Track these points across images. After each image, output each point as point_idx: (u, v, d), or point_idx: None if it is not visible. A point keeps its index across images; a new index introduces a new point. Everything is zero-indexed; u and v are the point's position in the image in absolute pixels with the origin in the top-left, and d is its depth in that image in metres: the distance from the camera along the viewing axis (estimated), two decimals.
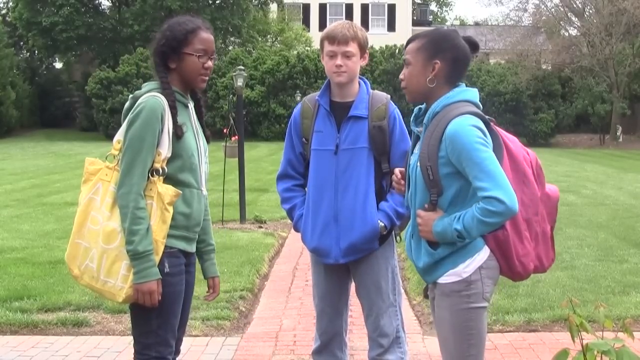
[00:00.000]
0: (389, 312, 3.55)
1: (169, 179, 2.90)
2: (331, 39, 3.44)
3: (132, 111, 2.88)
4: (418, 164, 2.77)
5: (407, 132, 3.50)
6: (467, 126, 2.64)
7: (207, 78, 3.03)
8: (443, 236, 2.69)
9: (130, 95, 3.00)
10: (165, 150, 2.88)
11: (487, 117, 2.80)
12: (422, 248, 2.81)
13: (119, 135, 2.93)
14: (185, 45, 2.94)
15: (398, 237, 3.63)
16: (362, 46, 3.46)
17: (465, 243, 2.71)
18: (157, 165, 2.87)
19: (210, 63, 3.00)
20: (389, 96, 3.57)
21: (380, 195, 3.51)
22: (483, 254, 2.74)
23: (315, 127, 3.52)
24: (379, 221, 3.46)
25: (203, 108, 3.17)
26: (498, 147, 2.73)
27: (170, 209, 2.86)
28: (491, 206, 2.55)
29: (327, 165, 3.49)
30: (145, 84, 3.02)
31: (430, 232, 2.73)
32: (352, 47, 3.42)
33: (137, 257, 2.79)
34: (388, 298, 3.56)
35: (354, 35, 3.42)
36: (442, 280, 2.77)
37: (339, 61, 3.41)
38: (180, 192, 2.90)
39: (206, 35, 2.99)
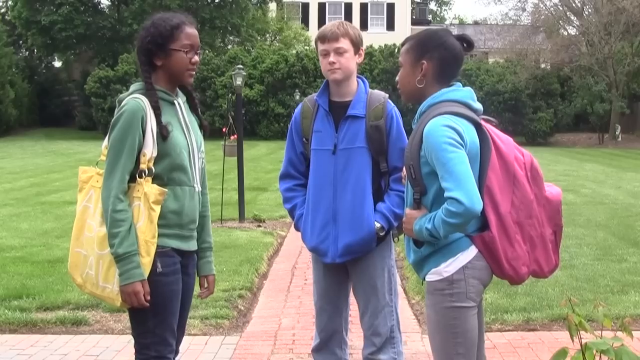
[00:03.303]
0: (384, 312, 3.56)
1: (158, 179, 2.90)
2: (322, 38, 3.48)
3: (115, 115, 2.90)
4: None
5: (405, 132, 3.51)
6: (439, 126, 2.65)
7: (194, 73, 3.02)
8: (420, 235, 2.72)
9: (117, 99, 3.00)
10: (150, 150, 2.87)
11: (483, 117, 2.80)
12: (411, 246, 2.84)
13: (106, 140, 2.94)
14: (172, 41, 2.92)
15: (396, 238, 3.63)
16: (355, 42, 3.48)
17: (448, 242, 2.72)
18: (144, 166, 2.87)
19: (197, 58, 2.98)
20: (387, 95, 3.58)
21: (379, 195, 3.52)
22: (468, 254, 2.74)
23: (315, 127, 3.54)
24: (375, 222, 3.46)
25: (197, 101, 3.15)
26: (487, 148, 2.73)
27: (157, 207, 2.85)
28: (452, 207, 2.57)
29: (325, 165, 3.50)
30: (132, 85, 3.01)
31: (412, 230, 2.74)
32: (344, 44, 3.44)
33: (118, 259, 2.81)
34: (384, 298, 3.56)
35: (345, 31, 3.45)
36: (427, 278, 2.80)
37: (331, 58, 3.44)
38: (166, 190, 2.89)
39: (191, 30, 2.97)
